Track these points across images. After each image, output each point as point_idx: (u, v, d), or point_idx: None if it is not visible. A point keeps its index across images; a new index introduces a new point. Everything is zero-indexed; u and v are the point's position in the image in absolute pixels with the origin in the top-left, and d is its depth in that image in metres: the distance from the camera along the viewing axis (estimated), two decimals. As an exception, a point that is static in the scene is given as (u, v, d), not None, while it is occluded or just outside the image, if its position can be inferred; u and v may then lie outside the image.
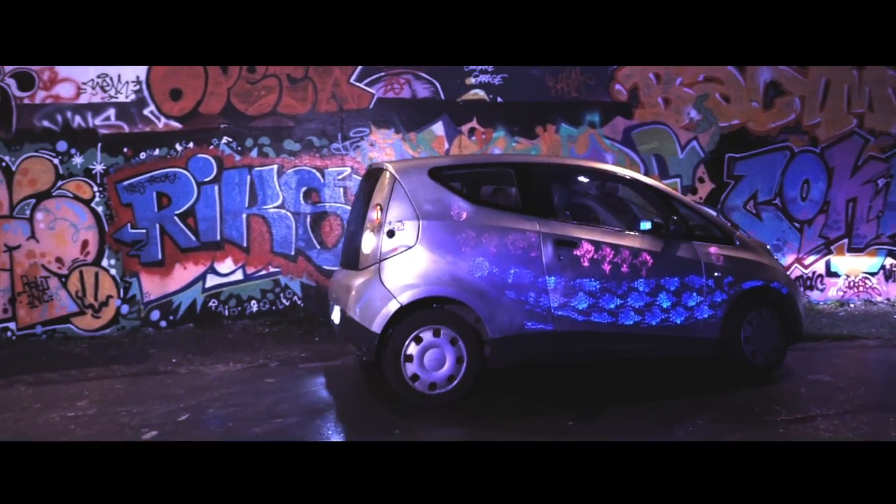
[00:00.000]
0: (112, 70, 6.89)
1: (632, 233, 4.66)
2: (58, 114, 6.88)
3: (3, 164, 6.79)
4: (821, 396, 4.46)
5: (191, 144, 6.92)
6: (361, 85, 7.11)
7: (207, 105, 6.95)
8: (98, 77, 6.89)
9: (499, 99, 7.26)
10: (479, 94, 7.24)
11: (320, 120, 7.06)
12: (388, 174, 4.44)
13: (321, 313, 6.96)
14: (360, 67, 7.07)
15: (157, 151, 6.89)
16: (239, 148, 6.97)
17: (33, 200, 6.76)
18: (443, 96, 7.20)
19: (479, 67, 7.23)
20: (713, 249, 4.72)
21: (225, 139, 6.95)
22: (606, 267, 4.45)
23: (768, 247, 5.42)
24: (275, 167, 7.00)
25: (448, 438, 3.81)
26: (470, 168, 4.84)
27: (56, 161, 6.82)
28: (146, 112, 6.91)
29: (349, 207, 7.00)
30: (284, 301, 7.05)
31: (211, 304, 6.95)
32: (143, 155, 6.88)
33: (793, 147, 7.77)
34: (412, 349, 4.20)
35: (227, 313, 6.96)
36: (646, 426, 3.90)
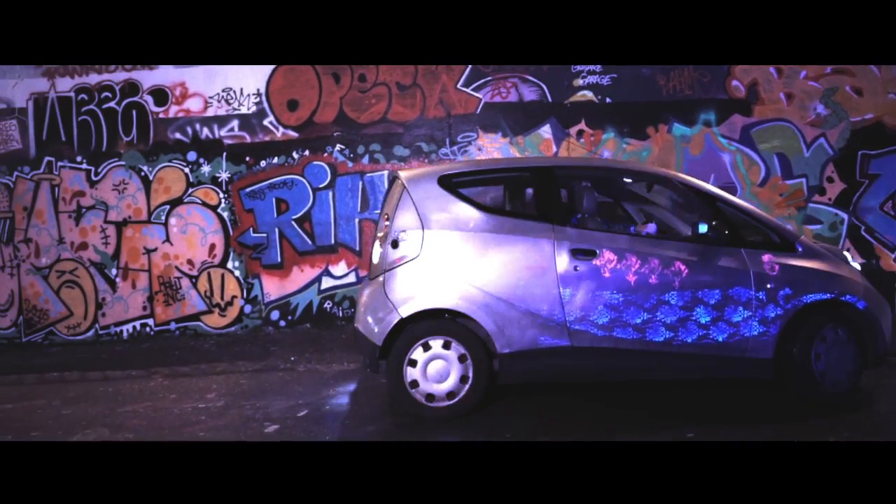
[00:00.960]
0: (235, 84, 7.35)
1: (665, 239, 4.31)
2: (188, 126, 7.42)
3: (143, 173, 7.41)
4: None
5: (307, 152, 7.25)
6: (468, 90, 7.17)
7: (322, 114, 7.25)
8: (223, 91, 7.36)
9: (607, 100, 7.10)
10: (587, 95, 7.12)
11: (428, 126, 7.19)
12: (399, 182, 4.34)
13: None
14: (466, 73, 7.13)
15: (275, 159, 7.28)
16: (351, 155, 7.23)
17: (167, 206, 7.34)
18: (550, 99, 7.13)
19: (587, 68, 7.11)
20: (767, 257, 4.15)
21: (338, 146, 7.23)
22: (631, 277, 4.05)
23: (847, 254, 4.63)
24: (385, 173, 7.19)
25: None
26: (483, 174, 4.59)
27: (187, 170, 7.36)
28: (266, 122, 7.32)
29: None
30: (394, 303, 7.24)
31: (326, 305, 7.25)
32: (263, 163, 7.28)
33: (937, 142, 7.07)
34: (413, 364, 4.07)
35: (340, 314, 7.24)
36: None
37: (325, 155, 7.24)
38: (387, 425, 4.14)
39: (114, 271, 7.39)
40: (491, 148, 7.13)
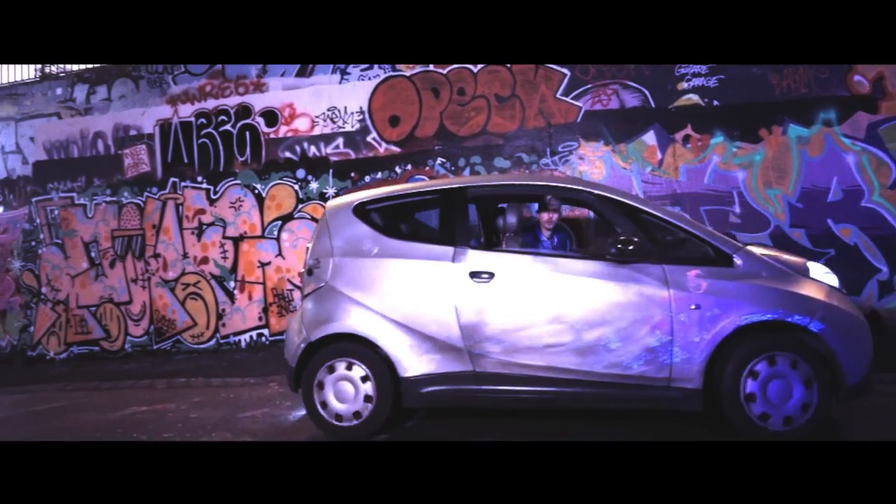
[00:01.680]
0: (339, 103, 7.66)
1: (574, 256, 3.99)
2: (297, 145, 7.80)
3: (256, 191, 7.84)
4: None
5: (409, 166, 7.43)
6: (568, 99, 7.11)
7: (422, 129, 7.42)
8: (328, 110, 7.69)
9: (715, 102, 6.81)
10: (693, 98, 6.86)
11: (528, 136, 7.18)
12: (323, 212, 4.47)
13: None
14: (565, 82, 7.08)
15: (379, 174, 7.50)
16: (452, 168, 7.34)
17: (279, 222, 7.73)
18: (653, 104, 6.94)
19: (692, 70, 6.86)
20: (693, 273, 3.64)
21: (439, 160, 7.36)
22: (533, 299, 3.79)
23: (814, 266, 3.84)
24: (486, 185, 7.23)
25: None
26: (396, 199, 4.39)
27: (296, 187, 7.73)
28: (369, 139, 7.57)
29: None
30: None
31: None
32: (367, 178, 7.53)
33: None
34: (322, 385, 4.10)
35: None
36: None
37: (427, 168, 7.39)
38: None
39: (232, 284, 7.86)
40: (593, 157, 7.03)
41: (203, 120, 8.24)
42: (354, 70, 7.67)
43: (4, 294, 9.12)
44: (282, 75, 7.96)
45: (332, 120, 7.72)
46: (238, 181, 7.98)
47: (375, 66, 7.59)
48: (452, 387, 3.93)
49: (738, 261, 3.66)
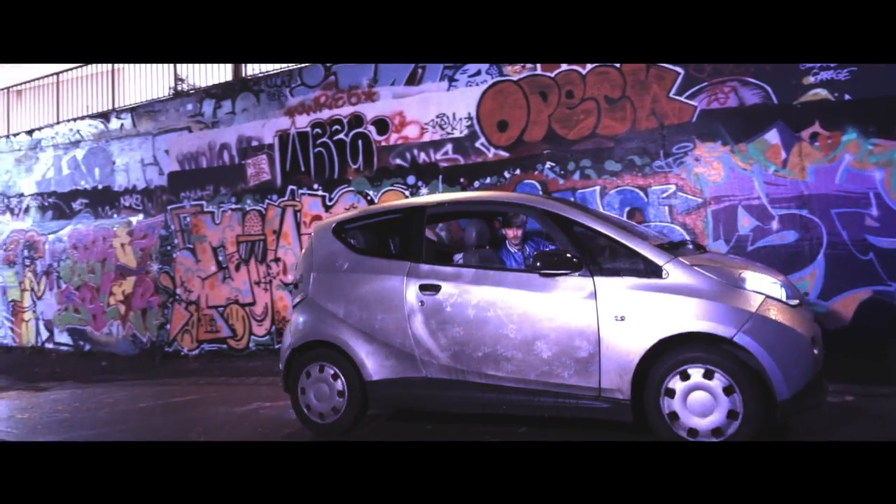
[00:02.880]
0: (448, 109, 7.80)
1: (511, 271, 4.46)
2: (407, 152, 8.02)
3: (369, 197, 8.14)
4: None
5: (517, 171, 7.46)
6: (682, 98, 6.86)
7: (531, 133, 7.41)
8: (437, 117, 7.85)
9: (846, 96, 6.34)
10: (821, 93, 6.42)
11: (640, 138, 7.00)
12: (311, 232, 5.08)
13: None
14: (679, 81, 6.84)
15: (488, 179, 7.58)
16: (562, 172, 7.29)
17: (391, 227, 7.97)
18: (775, 101, 6.56)
19: (819, 64, 6.43)
20: (622, 284, 3.72)
21: (548, 164, 7.34)
22: (471, 311, 4.07)
23: (750, 275, 3.74)
24: (597, 188, 7.14)
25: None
26: (367, 219, 4.98)
27: (407, 193, 7.95)
28: (477, 144, 7.65)
29: (675, 226, 6.81)
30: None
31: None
32: (476, 183, 7.62)
33: None
34: (303, 385, 4.68)
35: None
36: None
37: (536, 173, 7.38)
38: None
39: (346, 287, 8.19)
40: (710, 158, 6.75)
41: (318, 130, 8.65)
42: (462, 76, 7.78)
43: (145, 294, 9.99)
44: (391, 84, 8.21)
45: (440, 126, 7.87)
46: (352, 188, 8.31)
47: (483, 71, 7.66)
48: (407, 391, 4.34)
49: (666, 272, 3.68)
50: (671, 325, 3.59)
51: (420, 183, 7.90)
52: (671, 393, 3.59)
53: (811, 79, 6.46)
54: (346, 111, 8.49)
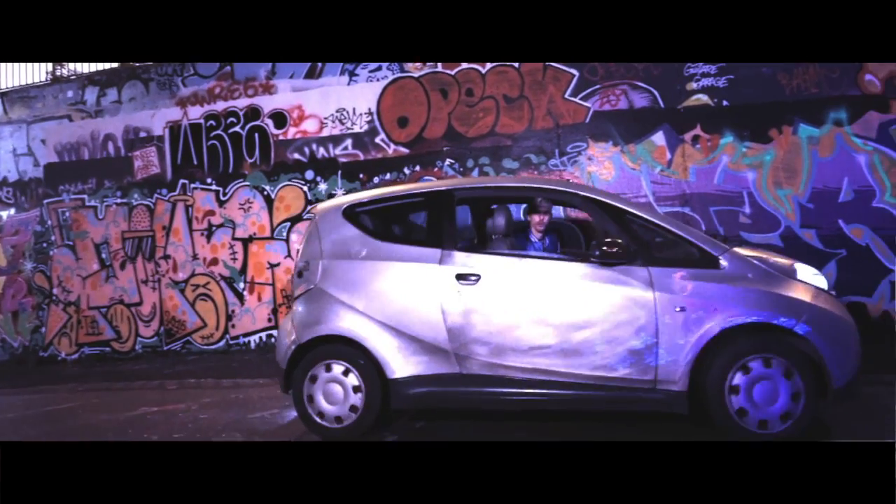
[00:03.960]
0: (348, 104, 7.68)
1: (561, 258, 4.05)
2: (305, 147, 7.82)
3: (265, 192, 7.88)
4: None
5: (417, 167, 7.44)
6: (576, 99, 7.09)
7: (431, 130, 7.42)
8: (336, 111, 7.71)
9: (724, 102, 6.78)
10: (702, 98, 6.83)
11: (537, 137, 7.17)
12: (313, 214, 4.51)
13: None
14: (574, 82, 7.06)
15: (388, 175, 7.52)
16: (461, 168, 7.34)
17: (288, 224, 7.76)
18: (662, 104, 6.91)
19: (701, 70, 6.82)
20: (679, 275, 3.63)
21: (448, 161, 7.37)
22: (518, 301, 3.80)
23: (802, 268, 3.82)
24: (494, 186, 7.25)
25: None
26: (385, 202, 4.43)
27: (305, 188, 7.76)
28: (377, 140, 7.58)
29: (570, 224, 7.01)
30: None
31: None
32: (376, 179, 7.55)
33: None
34: (311, 387, 4.15)
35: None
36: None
37: (436, 169, 7.39)
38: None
39: (241, 285, 7.89)
40: (602, 157, 7.01)
41: (212, 122, 8.28)
42: (363, 71, 7.69)
43: (17, 295, 9.20)
44: (290, 77, 7.99)
45: (340, 121, 7.74)
46: (247, 183, 8.01)
47: (384, 67, 7.60)
48: (439, 388, 3.95)
49: (723, 262, 3.64)
50: (733, 315, 3.52)
51: (319, 178, 7.74)
52: (736, 389, 3.51)
53: (694, 85, 6.84)
54: (242, 103, 8.18)
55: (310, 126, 7.86)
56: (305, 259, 4.31)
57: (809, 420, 3.48)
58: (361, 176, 7.60)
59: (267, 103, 8.05)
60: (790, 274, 3.72)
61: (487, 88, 7.28)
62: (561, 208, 6.63)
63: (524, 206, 5.29)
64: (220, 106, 8.27)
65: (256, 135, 8.06)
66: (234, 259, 7.94)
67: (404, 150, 7.50)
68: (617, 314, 3.66)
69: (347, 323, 4.09)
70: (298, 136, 7.88)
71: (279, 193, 7.84)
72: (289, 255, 7.73)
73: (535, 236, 4.69)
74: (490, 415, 4.38)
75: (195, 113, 8.37)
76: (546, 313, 3.76)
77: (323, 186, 7.71)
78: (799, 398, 3.47)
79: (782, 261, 3.86)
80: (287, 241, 7.75)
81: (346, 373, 4.13)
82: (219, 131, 8.25)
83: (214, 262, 8.02)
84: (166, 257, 8.27)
